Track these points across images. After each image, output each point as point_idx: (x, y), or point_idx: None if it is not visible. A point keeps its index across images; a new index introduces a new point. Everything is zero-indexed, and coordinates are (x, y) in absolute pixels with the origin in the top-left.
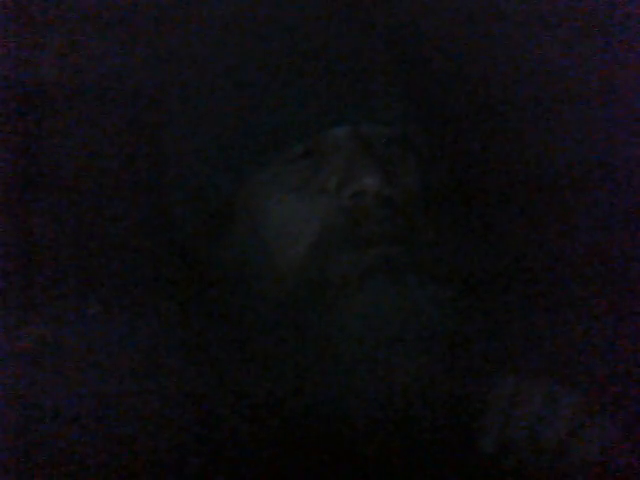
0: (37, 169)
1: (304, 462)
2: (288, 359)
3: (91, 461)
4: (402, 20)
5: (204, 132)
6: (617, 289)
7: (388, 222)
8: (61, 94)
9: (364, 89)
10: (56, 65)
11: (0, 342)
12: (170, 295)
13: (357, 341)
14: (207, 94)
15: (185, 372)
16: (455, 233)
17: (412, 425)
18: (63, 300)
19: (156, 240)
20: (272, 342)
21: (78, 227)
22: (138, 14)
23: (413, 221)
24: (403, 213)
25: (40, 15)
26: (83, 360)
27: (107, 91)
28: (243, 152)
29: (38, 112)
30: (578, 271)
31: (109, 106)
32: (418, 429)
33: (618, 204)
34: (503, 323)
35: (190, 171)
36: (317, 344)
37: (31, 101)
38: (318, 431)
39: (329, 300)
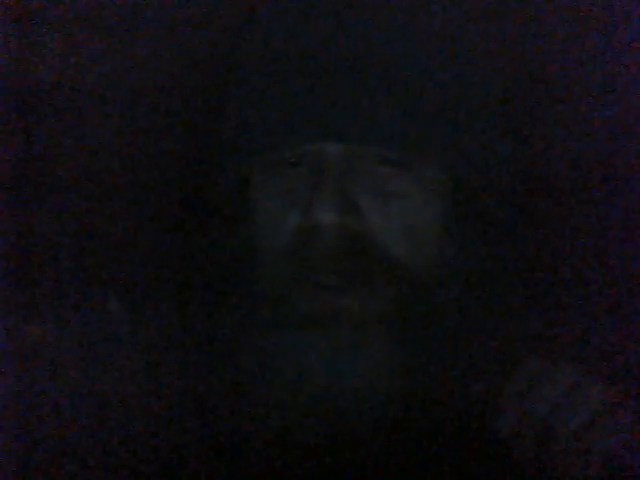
0: (37, 169)
1: (305, 462)
2: (287, 357)
3: (91, 461)
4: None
5: (206, 128)
6: None
7: (349, 259)
8: (61, 94)
9: (384, 106)
10: (56, 65)
11: (0, 342)
12: (170, 294)
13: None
14: (213, 87)
15: (185, 371)
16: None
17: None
18: (63, 300)
19: (156, 239)
20: (271, 341)
21: (78, 227)
22: (138, 14)
23: (384, 259)
24: (375, 249)
25: (40, 15)
26: (83, 360)
27: (107, 91)
28: (251, 144)
29: (38, 112)
30: (606, 267)
31: (109, 106)
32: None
33: (618, 204)
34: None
35: (195, 162)
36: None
37: (31, 101)
38: (319, 431)
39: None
